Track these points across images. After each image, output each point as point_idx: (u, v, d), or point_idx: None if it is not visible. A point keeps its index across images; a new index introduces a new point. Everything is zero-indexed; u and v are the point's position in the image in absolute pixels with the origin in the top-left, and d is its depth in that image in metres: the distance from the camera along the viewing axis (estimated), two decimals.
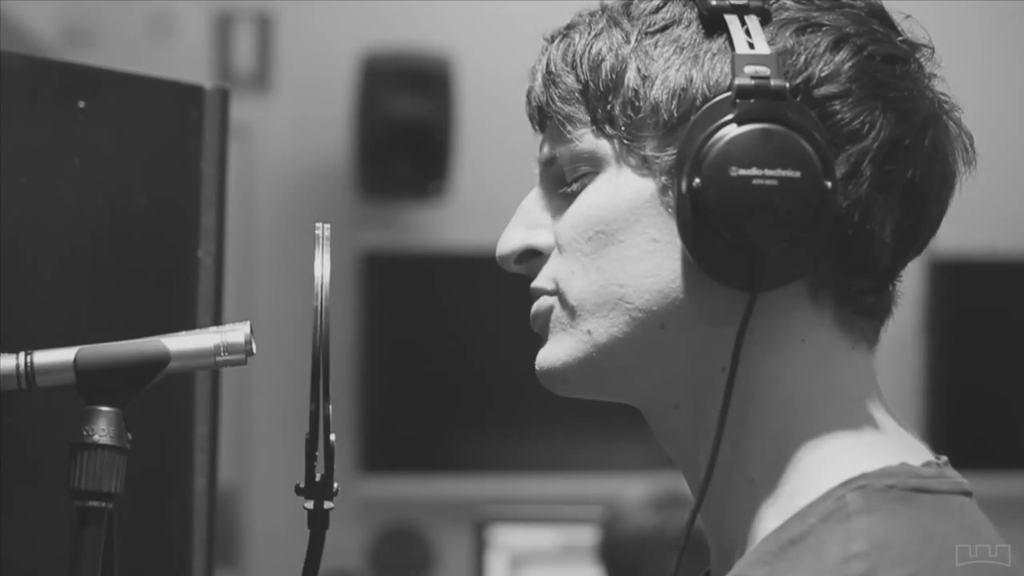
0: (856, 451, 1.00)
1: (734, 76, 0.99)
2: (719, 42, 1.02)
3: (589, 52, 1.05)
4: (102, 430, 1.03)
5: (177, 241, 1.38)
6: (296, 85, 4.66)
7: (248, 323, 1.08)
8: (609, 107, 1.04)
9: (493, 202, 4.62)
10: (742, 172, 0.97)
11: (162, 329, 1.08)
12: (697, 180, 0.98)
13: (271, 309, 4.37)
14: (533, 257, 1.09)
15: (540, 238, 1.09)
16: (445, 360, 4.62)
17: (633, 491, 2.85)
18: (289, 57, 4.66)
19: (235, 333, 1.07)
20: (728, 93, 0.99)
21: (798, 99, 1.00)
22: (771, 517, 1.00)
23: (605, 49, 1.05)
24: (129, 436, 1.06)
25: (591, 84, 1.05)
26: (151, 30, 4.53)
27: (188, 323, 1.34)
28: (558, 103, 1.06)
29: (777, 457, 1.01)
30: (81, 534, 1.02)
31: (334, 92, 4.59)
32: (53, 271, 1.29)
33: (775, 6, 1.03)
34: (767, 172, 0.98)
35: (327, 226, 1.06)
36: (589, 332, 1.05)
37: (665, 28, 1.04)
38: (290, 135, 4.65)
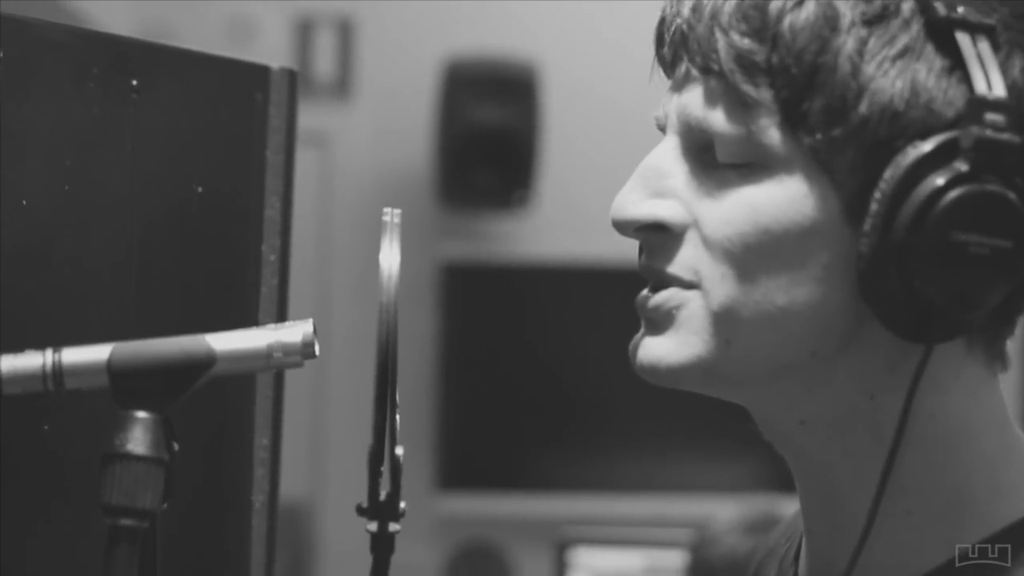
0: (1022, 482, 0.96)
1: (971, 122, 0.88)
2: (945, 62, 0.90)
3: (787, 21, 0.91)
4: (137, 439, 0.92)
5: (238, 236, 1.27)
6: (377, 92, 4.62)
7: (310, 321, 0.96)
8: (807, 104, 0.90)
9: (578, 213, 4.61)
10: (963, 238, 0.88)
11: (222, 328, 0.98)
12: (910, 237, 0.88)
13: (350, 318, 4.29)
14: (657, 231, 0.95)
15: (672, 212, 0.95)
16: (526, 375, 4.54)
17: (724, 513, 2.75)
18: (370, 63, 4.62)
19: (292, 331, 0.95)
20: (954, 133, 0.88)
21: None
22: (935, 552, 0.94)
23: (810, 25, 0.90)
24: (175, 446, 0.95)
25: (787, 67, 0.91)
26: (230, 34, 4.48)
27: (248, 325, 1.23)
28: (735, 70, 0.92)
29: (938, 491, 0.95)
30: (112, 555, 0.91)
31: (416, 99, 4.54)
32: (99, 267, 1.19)
33: (997, 20, 0.91)
34: (985, 240, 0.89)
35: (397, 212, 0.94)
36: (728, 342, 0.93)
37: (882, 18, 0.90)
38: (371, 143, 4.60)
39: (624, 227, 0.96)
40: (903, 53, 0.90)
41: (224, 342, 0.95)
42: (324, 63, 4.62)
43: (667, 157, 0.96)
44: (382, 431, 0.90)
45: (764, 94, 0.91)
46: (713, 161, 0.93)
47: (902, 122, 0.89)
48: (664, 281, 0.95)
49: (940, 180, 0.88)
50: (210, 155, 1.24)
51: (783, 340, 0.92)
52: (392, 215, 0.93)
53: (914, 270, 0.88)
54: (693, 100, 0.94)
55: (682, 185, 0.95)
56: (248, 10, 4.57)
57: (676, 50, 0.95)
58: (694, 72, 0.94)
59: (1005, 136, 0.88)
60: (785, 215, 0.91)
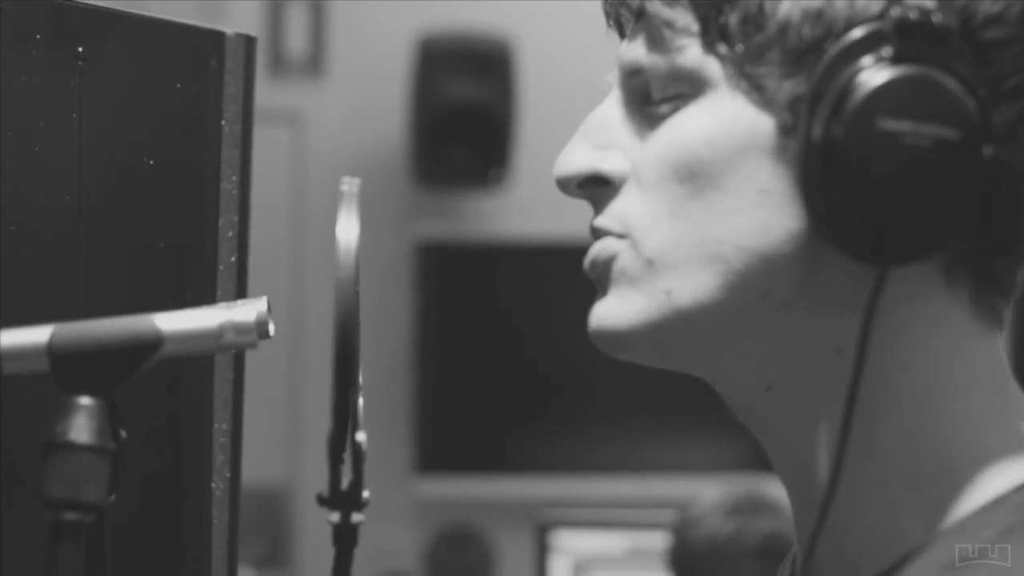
0: (1012, 450, 0.86)
1: (892, 3, 0.82)
2: None
3: None
4: (80, 427, 0.85)
5: (193, 211, 1.21)
6: (350, 68, 4.58)
7: (264, 298, 0.91)
8: (724, 18, 0.85)
9: (555, 190, 4.55)
10: (892, 126, 0.80)
11: (176, 307, 0.93)
12: (836, 129, 0.81)
13: (324, 298, 4.26)
14: (600, 185, 0.89)
15: (612, 163, 0.89)
16: (505, 355, 4.51)
17: (707, 493, 2.71)
18: (343, 40, 4.58)
19: (245, 310, 0.90)
20: (881, 24, 0.82)
21: (960, 40, 0.82)
22: (918, 527, 0.85)
23: None
24: (123, 434, 0.89)
25: None
26: (201, 13, 4.42)
27: (206, 305, 1.18)
28: (657, 1, 0.87)
29: (915, 457, 0.86)
30: (54, 551, 0.85)
31: (390, 76, 4.51)
32: (46, 244, 1.13)
33: None
34: (921, 129, 0.81)
35: (356, 181, 0.88)
36: (668, 292, 0.86)
37: None
38: (344, 121, 4.56)
39: (566, 184, 0.91)
40: None
41: (173, 322, 0.89)
42: (297, 39, 4.57)
43: (609, 110, 0.91)
44: (342, 416, 0.84)
45: (685, 16, 0.86)
46: (652, 109, 0.89)
47: (825, 20, 0.83)
48: (598, 235, 0.90)
49: (860, 67, 0.81)
50: (162, 126, 1.18)
51: (727, 280, 0.85)
52: (350, 185, 0.88)
53: (852, 175, 0.81)
54: (626, 45, 0.90)
55: (623, 136, 0.90)
56: None
57: (612, 7, 0.92)
58: (631, 21, 0.90)
59: (934, 19, 0.82)
60: (715, 138, 0.85)
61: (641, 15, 0.89)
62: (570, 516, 3.63)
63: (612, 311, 0.89)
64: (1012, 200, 0.85)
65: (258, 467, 3.79)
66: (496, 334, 4.54)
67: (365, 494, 0.88)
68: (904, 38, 0.81)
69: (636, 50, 0.89)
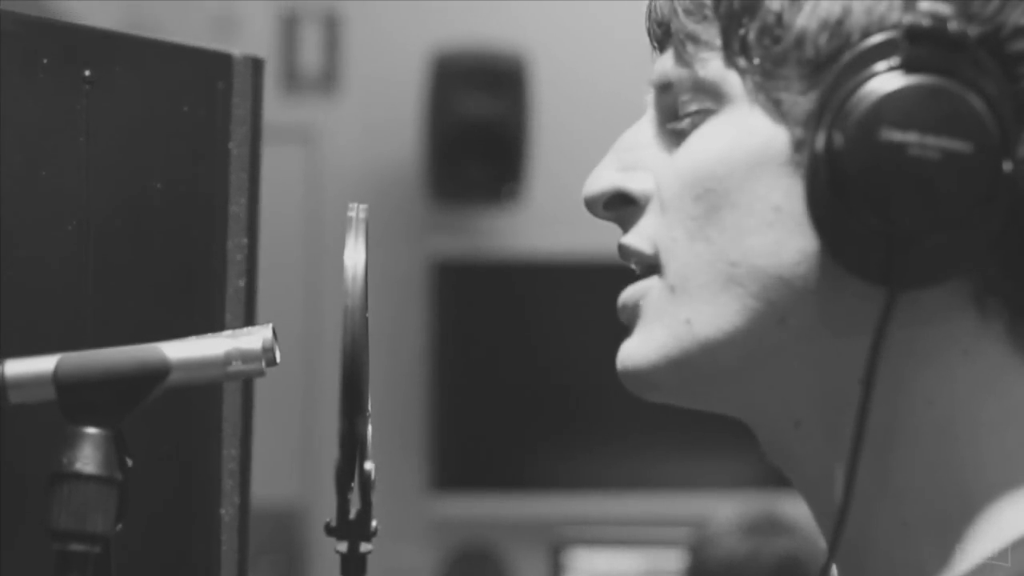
0: None
1: (905, 12, 0.78)
2: None
3: None
4: (87, 457, 0.84)
5: (201, 234, 1.20)
6: (365, 86, 4.57)
7: (270, 326, 0.90)
8: (744, 31, 0.82)
9: (569, 206, 4.54)
10: (897, 136, 0.77)
11: (182, 335, 0.91)
12: (838, 139, 0.77)
13: (341, 318, 4.25)
14: (626, 205, 0.87)
15: (636, 182, 0.87)
16: (520, 372, 4.49)
17: (724, 512, 2.69)
18: (357, 57, 4.58)
19: (251, 338, 0.88)
20: (893, 32, 0.78)
21: (983, 51, 0.79)
22: (938, 570, 0.81)
23: None
24: (129, 463, 0.88)
25: (725, 1, 0.84)
26: (215, 29, 4.43)
27: (214, 329, 1.16)
28: (682, 16, 0.85)
29: (938, 495, 0.81)
30: None
31: (404, 93, 4.50)
32: (53, 268, 1.12)
33: None
34: (928, 141, 0.77)
35: (363, 207, 0.87)
36: (688, 322, 0.83)
37: None
38: (359, 137, 4.56)
39: (593, 205, 0.89)
40: None
41: (179, 350, 0.88)
42: (310, 57, 4.57)
43: (641, 129, 0.89)
44: (349, 445, 0.83)
45: (709, 31, 0.85)
46: (675, 120, 0.87)
47: (843, 31, 0.80)
48: (626, 255, 0.88)
49: (864, 77, 0.78)
50: (170, 149, 1.17)
51: (744, 304, 0.82)
52: (357, 211, 0.87)
53: (856, 187, 0.77)
54: (658, 63, 0.89)
55: (652, 155, 0.87)
56: (233, 4, 4.52)
57: (652, 27, 0.90)
58: (664, 39, 0.89)
59: (950, 26, 0.77)
60: (730, 153, 0.83)
61: (666, 29, 0.87)
62: (585, 534, 3.61)
63: (635, 350, 0.86)
64: None
65: (273, 487, 3.78)
66: (511, 351, 4.52)
67: (373, 523, 0.87)
68: (915, 46, 0.78)
69: (665, 65, 0.87)
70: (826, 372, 0.83)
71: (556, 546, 3.52)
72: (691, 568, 2.67)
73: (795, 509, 2.88)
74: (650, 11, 0.89)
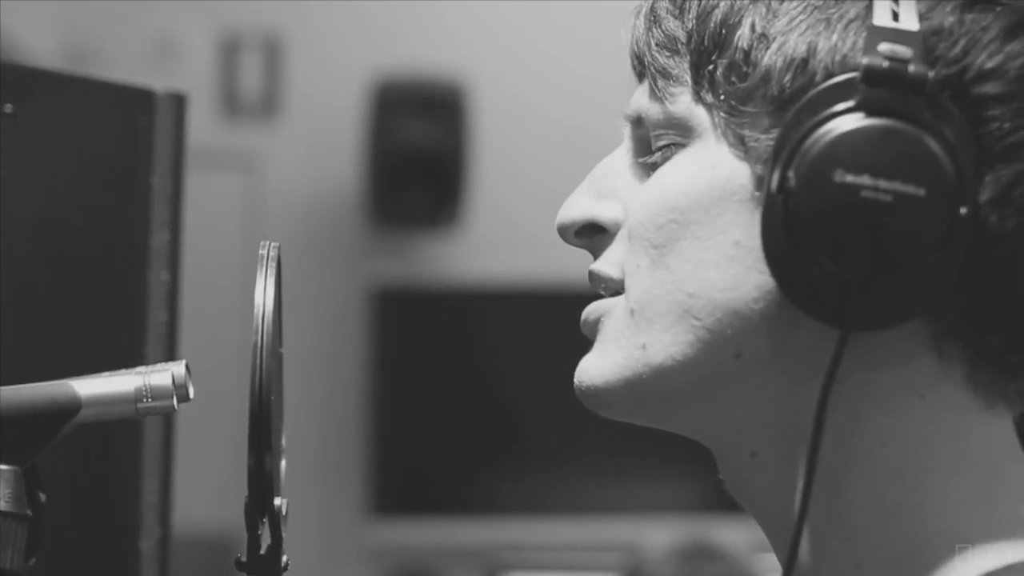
0: (998, 535, 0.80)
1: (864, 54, 0.78)
2: (859, 6, 0.80)
3: None
4: None
5: (123, 269, 1.21)
6: (305, 112, 4.56)
7: (183, 362, 0.90)
8: (713, 67, 0.83)
9: (509, 232, 4.56)
10: (849, 179, 0.76)
11: (104, 367, 0.91)
12: (792, 179, 0.77)
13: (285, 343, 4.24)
14: (597, 233, 0.88)
15: (606, 211, 0.88)
16: (458, 398, 4.49)
17: (658, 539, 2.70)
18: (297, 83, 4.56)
19: (162, 375, 0.88)
20: (854, 74, 0.78)
21: (946, 94, 0.78)
22: None
23: None
24: (42, 497, 0.88)
25: (696, 34, 0.84)
26: (155, 53, 4.41)
27: (134, 364, 1.17)
28: (655, 51, 0.86)
29: (891, 539, 0.81)
30: None
31: (344, 118, 4.49)
32: None
33: None
34: (881, 184, 0.76)
35: (276, 245, 0.88)
36: (644, 347, 0.84)
37: None
38: (299, 163, 4.54)
39: (565, 232, 0.90)
40: (814, 7, 0.82)
41: (90, 387, 0.88)
42: (251, 83, 4.55)
43: (616, 159, 0.90)
44: (257, 482, 0.84)
45: (680, 66, 0.85)
46: (647, 154, 0.88)
47: (808, 70, 0.80)
48: (595, 281, 0.88)
49: (819, 117, 0.78)
50: (91, 183, 1.18)
51: (699, 336, 0.82)
52: (268, 248, 0.87)
53: (808, 229, 0.77)
54: (634, 98, 0.89)
55: (624, 184, 0.88)
56: (172, 31, 4.50)
57: (632, 60, 0.90)
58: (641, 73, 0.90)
59: (910, 68, 0.77)
60: (693, 186, 0.83)
61: (644, 64, 0.88)
62: (522, 559, 3.61)
63: (591, 366, 0.87)
64: (1008, 269, 0.80)
65: (208, 518, 3.76)
66: (449, 377, 4.51)
67: (284, 558, 0.87)
68: (872, 88, 0.77)
69: (639, 99, 0.88)
70: (782, 406, 0.83)
71: (493, 570, 3.52)
72: None
73: (727, 535, 2.90)
74: (632, 46, 0.90)
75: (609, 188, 0.89)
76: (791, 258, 0.78)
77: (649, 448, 4.32)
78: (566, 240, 0.90)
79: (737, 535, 2.68)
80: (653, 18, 0.87)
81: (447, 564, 4.44)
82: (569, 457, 4.24)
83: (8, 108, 1.12)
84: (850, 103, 0.78)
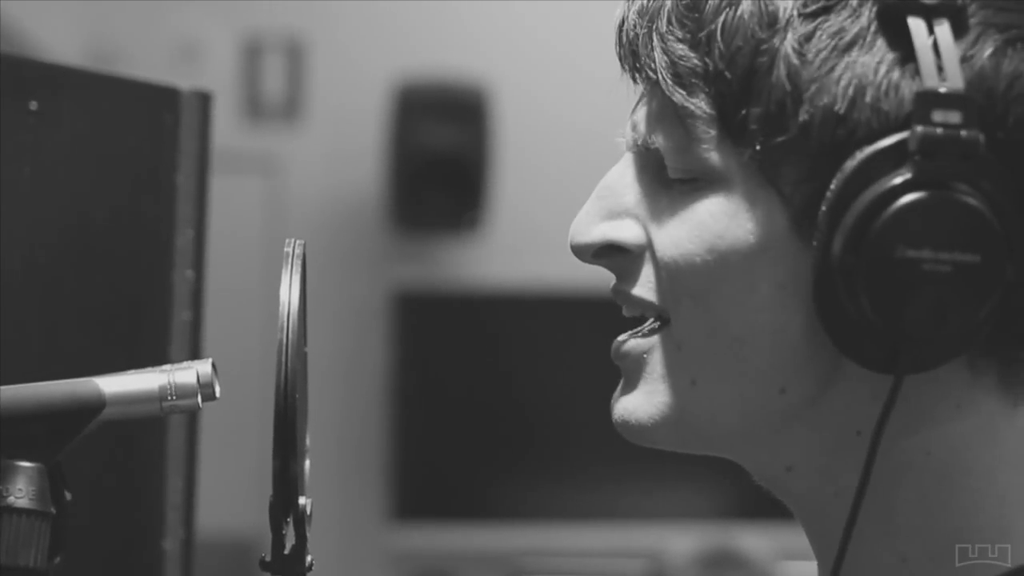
0: None
1: (917, 121, 0.77)
2: (896, 54, 0.79)
3: (721, 21, 0.82)
4: (20, 490, 0.84)
5: (148, 267, 1.20)
6: (327, 115, 4.56)
7: (209, 360, 0.90)
8: (744, 112, 0.81)
9: (530, 236, 4.55)
10: (912, 254, 0.77)
11: (128, 366, 0.90)
12: (853, 256, 0.78)
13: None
14: (616, 254, 0.88)
15: (627, 232, 0.87)
16: (480, 402, 4.48)
17: (680, 545, 2.69)
18: (320, 86, 4.56)
19: (187, 372, 0.88)
20: (903, 134, 0.78)
21: (990, 152, 0.79)
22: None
23: (745, 27, 0.81)
24: (67, 495, 0.88)
25: (721, 72, 0.82)
26: (178, 56, 4.42)
27: (158, 362, 1.16)
28: (672, 84, 0.84)
29: (934, 534, 0.84)
30: None
31: (366, 122, 4.48)
32: None
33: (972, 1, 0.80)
34: (941, 256, 0.77)
35: (301, 242, 0.87)
36: (693, 383, 0.85)
37: (827, 10, 0.80)
38: (321, 166, 4.54)
39: (581, 253, 0.89)
40: (849, 47, 0.80)
41: (114, 385, 0.88)
42: (273, 86, 4.55)
43: (623, 176, 0.88)
44: (282, 482, 0.83)
45: (701, 104, 0.83)
46: (666, 178, 0.86)
47: (847, 125, 0.79)
48: (632, 305, 0.88)
49: (878, 190, 0.77)
50: (116, 181, 1.17)
51: (747, 375, 0.83)
52: (294, 246, 0.87)
53: (862, 293, 0.78)
54: (640, 115, 0.87)
55: (638, 203, 0.87)
56: (195, 34, 4.51)
57: (624, 59, 0.88)
58: (643, 84, 0.87)
59: (962, 134, 0.77)
60: (728, 231, 0.83)
61: (654, 84, 0.85)
62: (543, 565, 3.60)
63: (638, 406, 0.87)
64: None
65: (225, 520, 3.76)
66: (471, 381, 4.51)
67: (309, 558, 0.87)
68: (928, 158, 0.77)
69: (652, 128, 0.86)
70: (821, 428, 0.84)
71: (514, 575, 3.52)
72: None
73: (750, 542, 2.89)
74: (620, 37, 0.88)
75: (621, 206, 0.88)
76: (846, 320, 0.79)
77: (672, 455, 4.31)
78: (582, 260, 0.90)
79: (760, 542, 2.67)
80: (660, 36, 0.85)
81: (467, 569, 4.44)
82: (591, 462, 4.23)
83: (33, 105, 1.12)
84: (907, 175, 0.77)
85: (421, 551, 4.45)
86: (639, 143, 0.87)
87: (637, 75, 0.87)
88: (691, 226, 0.84)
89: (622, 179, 0.88)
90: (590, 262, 0.90)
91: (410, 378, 4.48)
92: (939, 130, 0.77)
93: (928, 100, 0.77)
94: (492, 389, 4.50)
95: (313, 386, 0.93)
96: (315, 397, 0.92)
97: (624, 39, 0.87)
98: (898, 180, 0.77)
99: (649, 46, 0.85)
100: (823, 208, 0.79)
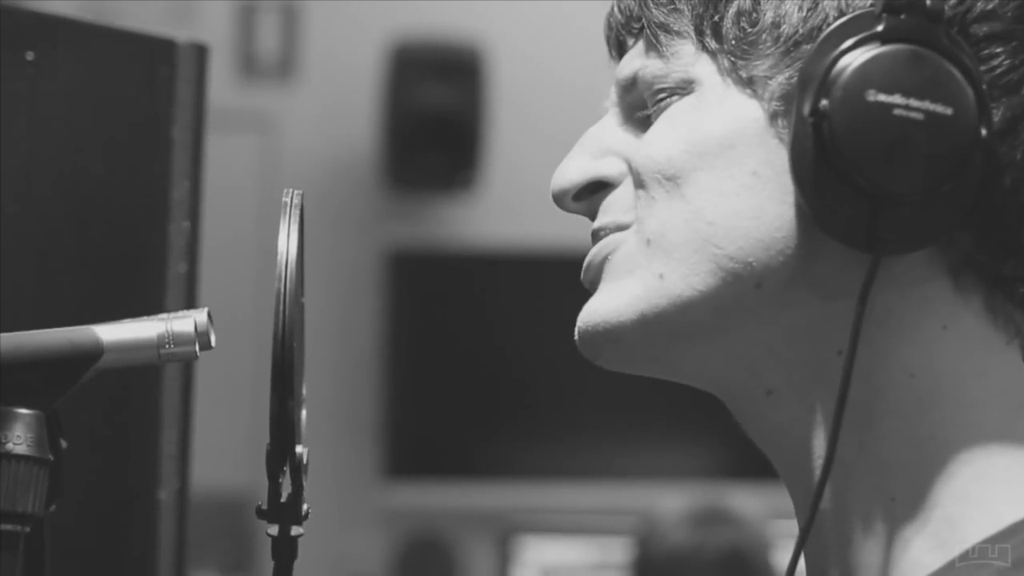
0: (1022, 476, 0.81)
1: None
2: None
3: None
4: (18, 437, 0.84)
5: (144, 219, 1.21)
6: (322, 74, 4.55)
7: (205, 310, 0.90)
8: (718, 16, 0.85)
9: (525, 195, 4.54)
10: (882, 98, 0.79)
11: (124, 317, 0.90)
12: (824, 102, 0.79)
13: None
14: (598, 191, 0.88)
15: (608, 166, 0.88)
16: (473, 361, 4.49)
17: (670, 504, 2.69)
18: (315, 45, 4.55)
19: (184, 321, 0.88)
20: (870, 7, 0.81)
21: (955, 30, 0.81)
22: (924, 549, 0.81)
23: None
24: (63, 443, 0.88)
25: None
26: (172, 16, 4.40)
27: (155, 312, 1.16)
28: (653, 8, 0.87)
29: (923, 472, 0.82)
30: None
31: (361, 81, 4.48)
32: None
33: None
34: (912, 103, 0.79)
35: (299, 192, 0.88)
36: (661, 276, 0.84)
37: None
38: (316, 125, 4.53)
39: (563, 197, 0.89)
40: None
41: (112, 333, 0.88)
42: (268, 44, 4.54)
43: (604, 124, 0.90)
44: (280, 430, 0.84)
45: (681, 21, 0.86)
46: (646, 115, 0.88)
47: (819, 11, 0.83)
48: (601, 236, 0.88)
49: (848, 46, 0.80)
50: (112, 133, 1.18)
51: (720, 264, 0.83)
52: (291, 196, 0.87)
53: (842, 148, 0.79)
54: (624, 62, 0.90)
55: (618, 141, 0.89)
56: None
57: (618, 31, 0.91)
58: (630, 42, 0.90)
59: (928, 1, 0.80)
60: (703, 122, 0.84)
61: (630, 26, 0.89)
62: (535, 523, 3.62)
63: (603, 304, 0.86)
64: (1015, 198, 0.82)
65: (220, 473, 3.77)
66: (464, 340, 4.51)
67: (305, 507, 0.87)
68: (894, 16, 0.80)
69: (632, 62, 0.89)
70: (800, 341, 0.83)
71: (505, 534, 3.53)
72: (638, 559, 2.68)
73: (741, 501, 2.90)
74: (612, 15, 0.91)
75: (603, 148, 0.89)
76: (822, 182, 0.80)
77: (663, 413, 4.32)
78: (563, 207, 0.90)
79: (751, 500, 2.68)
80: None
81: (459, 527, 4.45)
82: (583, 421, 4.24)
83: (30, 56, 1.12)
84: (874, 30, 0.80)
85: (413, 509, 4.46)
86: (623, 85, 0.89)
87: (624, 33, 0.90)
88: (666, 126, 0.86)
89: (604, 127, 0.90)
90: (571, 208, 0.90)
91: (403, 337, 4.49)
92: None
93: None
94: (485, 348, 4.50)
95: (307, 344, 0.93)
96: (309, 355, 0.92)
97: (616, 16, 0.91)
98: (864, 34, 0.80)
99: None
100: (795, 79, 0.82)
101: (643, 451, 4.35)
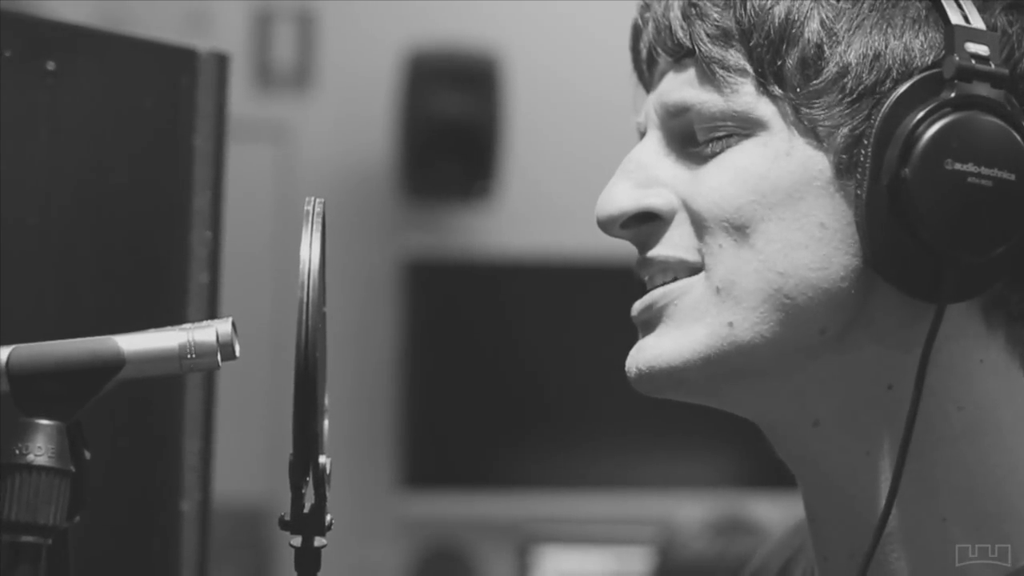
0: None
1: (951, 52, 0.84)
2: (919, 7, 0.86)
3: None
4: (39, 448, 0.84)
5: (165, 229, 1.20)
6: (338, 83, 4.55)
7: (229, 320, 0.89)
8: (780, 61, 0.87)
9: (541, 205, 4.55)
10: (959, 167, 0.83)
11: (146, 327, 0.90)
12: (906, 170, 0.83)
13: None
14: (646, 222, 0.90)
15: (660, 198, 0.90)
16: (490, 370, 4.48)
17: (690, 513, 2.69)
18: (331, 54, 4.56)
19: (207, 331, 0.88)
20: (936, 70, 0.84)
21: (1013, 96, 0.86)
22: (978, 564, 0.86)
23: None
24: (87, 454, 0.88)
25: (757, 30, 0.87)
26: (188, 26, 4.41)
27: (176, 323, 1.16)
28: (707, 43, 0.88)
29: (973, 494, 0.88)
30: (12, 575, 0.83)
31: (378, 90, 4.48)
32: (15, 261, 1.11)
33: None
34: (983, 171, 0.83)
35: (321, 200, 0.87)
36: (731, 324, 0.87)
37: None
38: (332, 135, 4.54)
39: (610, 224, 0.91)
40: (877, 5, 0.87)
41: (134, 343, 0.88)
42: (284, 53, 4.55)
43: (649, 150, 0.92)
44: (303, 441, 0.83)
45: (738, 58, 0.88)
46: (695, 145, 0.90)
47: (883, 64, 0.86)
48: (667, 268, 0.90)
49: (924, 110, 0.84)
50: (133, 142, 1.17)
51: (788, 315, 0.86)
52: (314, 204, 0.87)
53: (918, 214, 0.83)
54: (669, 86, 0.91)
55: (667, 173, 0.90)
56: (207, 1, 4.51)
57: (651, 47, 0.92)
58: (670, 62, 0.91)
59: (991, 65, 0.84)
60: (771, 172, 0.87)
61: (689, 55, 0.90)
62: (553, 533, 3.61)
63: (669, 348, 0.89)
64: None
65: (240, 484, 3.77)
66: (481, 349, 4.51)
67: (328, 517, 0.86)
68: (964, 82, 0.84)
69: (684, 91, 0.90)
70: (852, 377, 0.87)
71: (524, 544, 3.52)
72: (657, 569, 2.67)
73: (761, 510, 2.89)
74: (645, 29, 0.92)
75: (650, 178, 0.90)
76: (894, 239, 0.84)
77: (683, 423, 4.31)
78: (609, 233, 0.92)
79: (771, 510, 2.67)
80: (694, 10, 0.89)
81: (478, 537, 4.45)
82: (602, 431, 4.24)
83: (51, 66, 1.12)
84: (949, 95, 0.84)
85: (432, 519, 4.46)
86: (669, 111, 0.90)
87: (666, 53, 0.91)
88: (733, 172, 0.87)
89: (649, 153, 0.91)
90: (616, 234, 0.91)
91: (421, 346, 4.48)
92: (972, 60, 0.84)
93: (960, 33, 0.84)
94: (503, 358, 4.50)
95: (330, 351, 0.93)
96: (327, 364, 0.92)
97: (650, 31, 0.92)
98: (937, 100, 0.84)
99: (684, 20, 0.90)
100: (865, 140, 0.85)
101: (662, 460, 4.34)
